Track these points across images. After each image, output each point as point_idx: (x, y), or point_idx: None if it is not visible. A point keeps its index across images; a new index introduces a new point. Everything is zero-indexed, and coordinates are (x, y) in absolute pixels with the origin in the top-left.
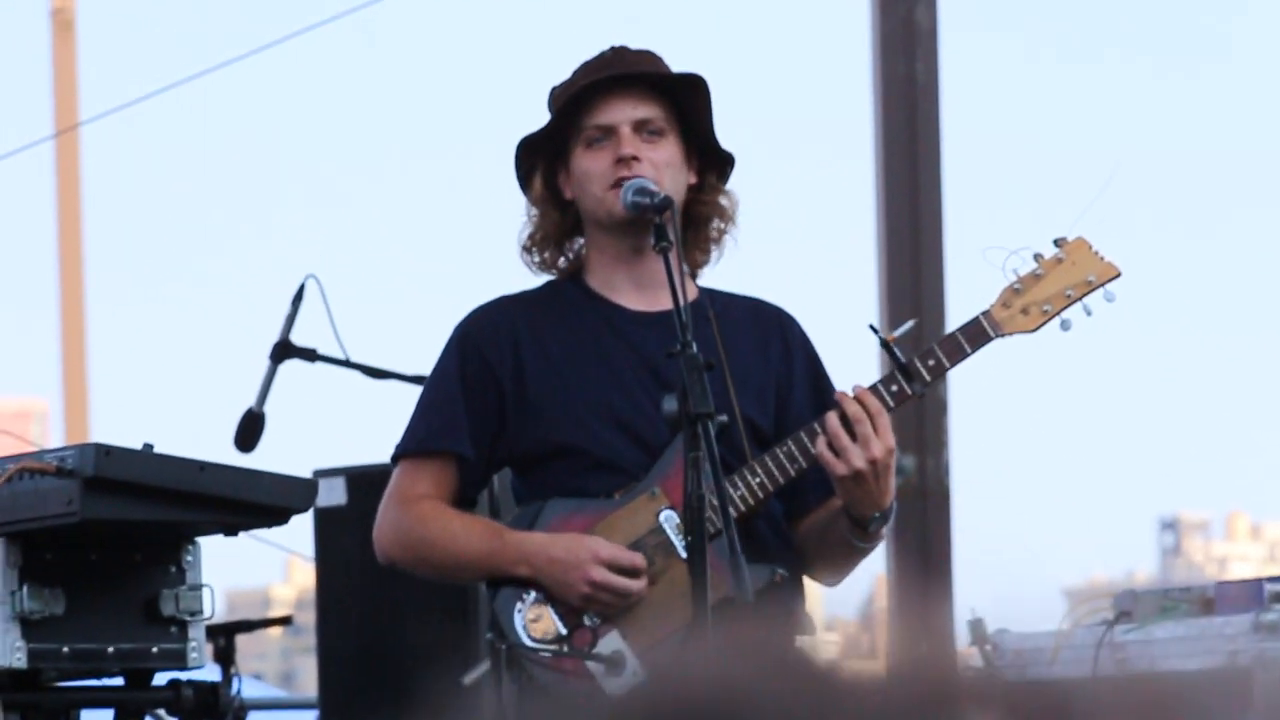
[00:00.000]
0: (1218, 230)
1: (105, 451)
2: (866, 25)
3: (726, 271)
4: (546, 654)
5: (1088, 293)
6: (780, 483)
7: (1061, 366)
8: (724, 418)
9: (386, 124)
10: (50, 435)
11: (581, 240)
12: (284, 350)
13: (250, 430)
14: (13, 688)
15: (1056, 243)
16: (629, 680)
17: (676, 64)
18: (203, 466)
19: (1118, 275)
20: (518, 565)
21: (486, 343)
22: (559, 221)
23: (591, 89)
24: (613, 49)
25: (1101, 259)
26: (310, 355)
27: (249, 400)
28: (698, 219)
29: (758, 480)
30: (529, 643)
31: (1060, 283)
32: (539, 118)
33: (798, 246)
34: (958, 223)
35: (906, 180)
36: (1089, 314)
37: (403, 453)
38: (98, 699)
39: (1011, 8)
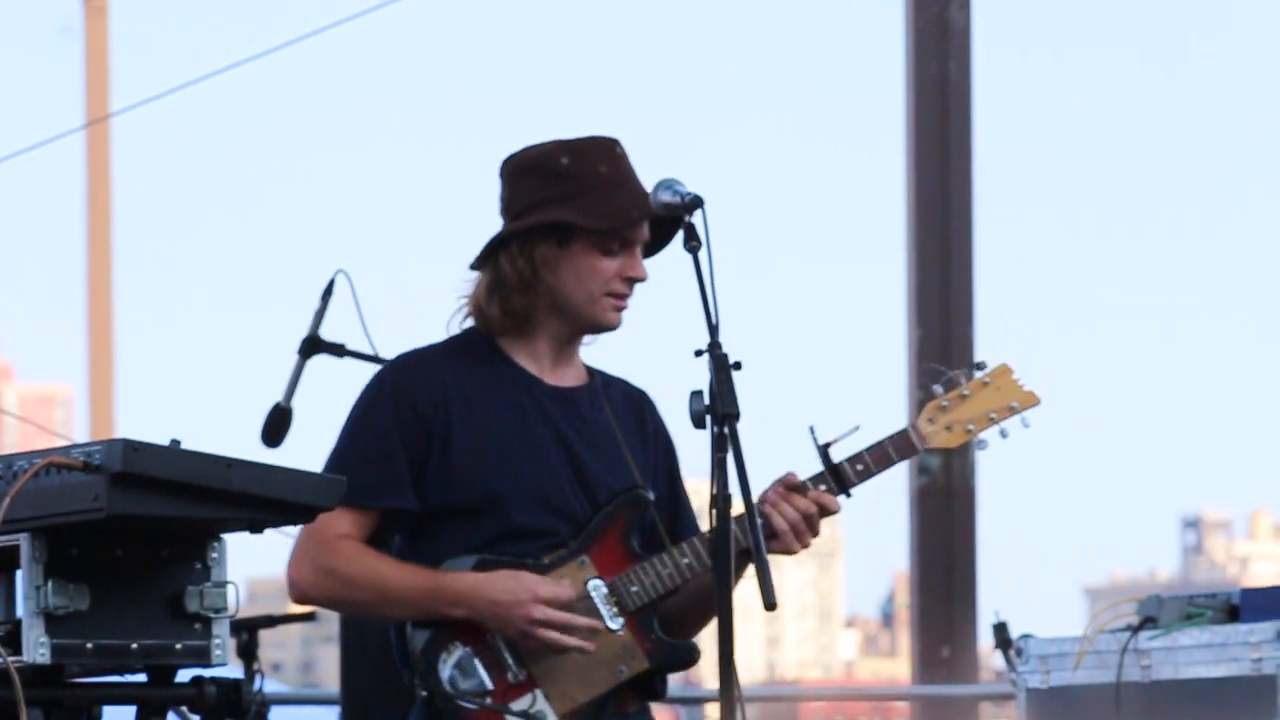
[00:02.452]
0: (1247, 229)
1: (133, 448)
2: (900, 23)
3: (756, 273)
4: (471, 705)
5: (1008, 417)
6: (708, 566)
7: (1085, 366)
8: (650, 494)
9: (419, 117)
10: (75, 421)
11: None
12: (313, 345)
13: (278, 425)
14: (36, 683)
15: (978, 367)
16: None
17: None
18: (230, 464)
19: (1037, 403)
20: (454, 606)
21: (419, 394)
22: (526, 289)
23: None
24: (618, 146)
25: (1022, 388)
26: (339, 350)
27: (277, 395)
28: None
29: (685, 561)
30: (451, 691)
31: (984, 405)
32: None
33: (827, 244)
34: (988, 221)
35: (938, 178)
36: (1004, 436)
37: (345, 499)
38: (120, 695)
39: (1045, 7)
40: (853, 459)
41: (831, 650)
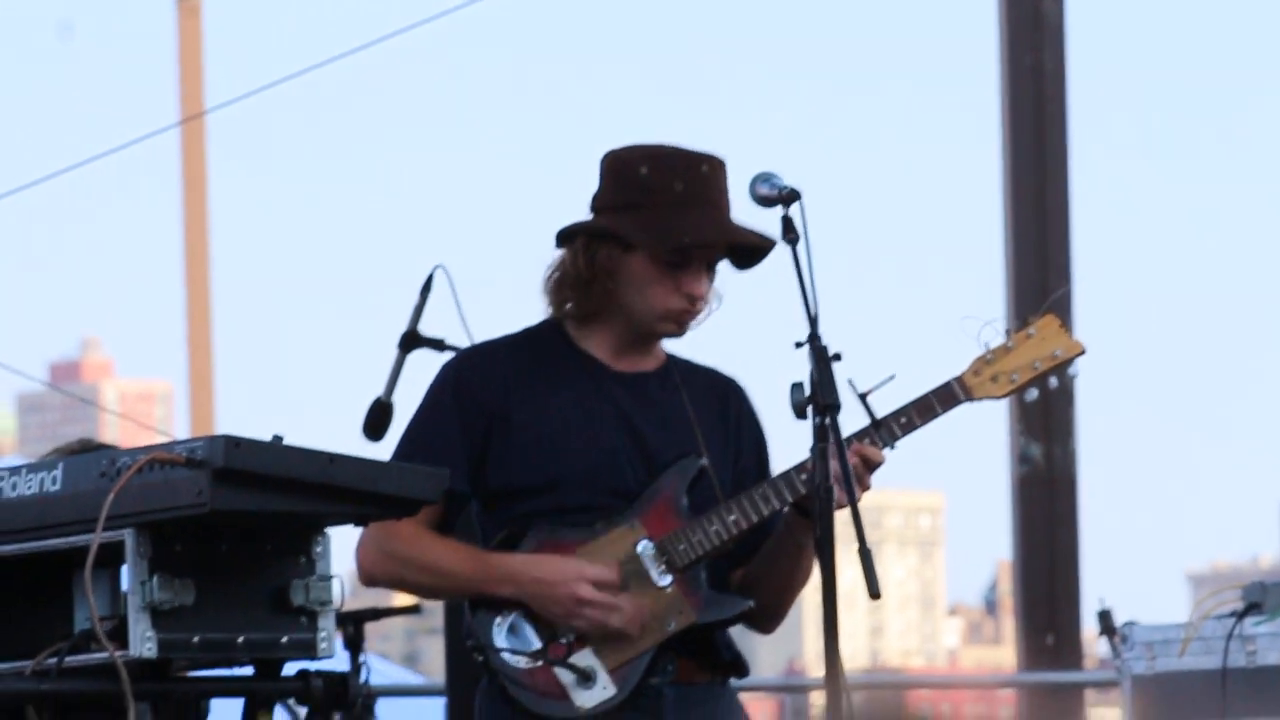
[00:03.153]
0: None
1: (235, 443)
2: (994, 15)
3: (853, 265)
4: (522, 660)
5: (1053, 367)
6: (754, 521)
7: (1183, 351)
8: (704, 460)
9: (519, 111)
10: (174, 418)
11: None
12: (412, 340)
13: (379, 420)
14: (143, 677)
15: (1026, 320)
16: (599, 694)
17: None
18: (333, 458)
19: (1082, 352)
20: (502, 585)
21: (479, 383)
22: (587, 288)
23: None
24: (705, 165)
25: (1068, 336)
26: (438, 345)
27: (378, 390)
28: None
29: (732, 518)
30: (507, 656)
31: (1028, 355)
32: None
33: (923, 236)
34: (1084, 211)
35: (1034, 170)
36: (1053, 386)
37: None
38: (228, 689)
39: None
40: (896, 412)
41: (935, 639)
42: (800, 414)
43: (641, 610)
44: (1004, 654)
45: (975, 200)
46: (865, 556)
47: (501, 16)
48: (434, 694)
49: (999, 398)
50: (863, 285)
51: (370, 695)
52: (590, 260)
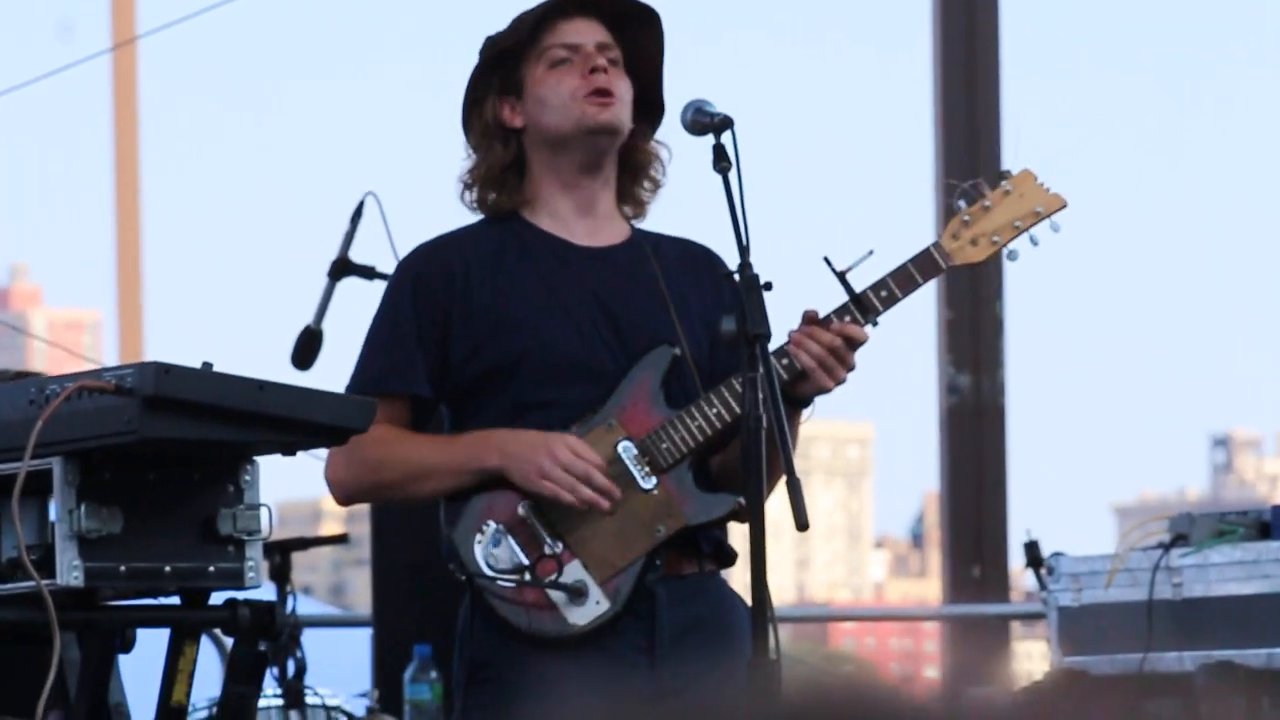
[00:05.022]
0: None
1: (164, 370)
2: None
3: (780, 95)
4: (509, 584)
5: (1035, 223)
6: (737, 413)
7: (1114, 284)
8: (676, 350)
9: (449, 36)
10: (103, 346)
11: (513, 182)
12: (342, 267)
13: (308, 348)
14: (69, 606)
15: (1001, 175)
16: (591, 609)
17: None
18: (262, 386)
19: (1064, 206)
20: (486, 453)
21: (434, 276)
22: (500, 156)
23: (555, 11)
24: None
25: (1047, 191)
26: (369, 272)
27: (307, 317)
28: (634, 166)
29: (714, 411)
30: (489, 571)
31: (1008, 214)
32: None
33: (851, 65)
34: (1015, 118)
35: (964, 78)
36: (1035, 244)
37: (355, 390)
38: (154, 618)
39: None
40: (876, 285)
41: (861, 571)
42: (730, 343)
43: (614, 492)
44: (930, 587)
45: (905, 110)
46: (794, 487)
47: None
48: (361, 625)
49: (979, 262)
50: (788, 115)
51: (297, 625)
52: (495, 118)
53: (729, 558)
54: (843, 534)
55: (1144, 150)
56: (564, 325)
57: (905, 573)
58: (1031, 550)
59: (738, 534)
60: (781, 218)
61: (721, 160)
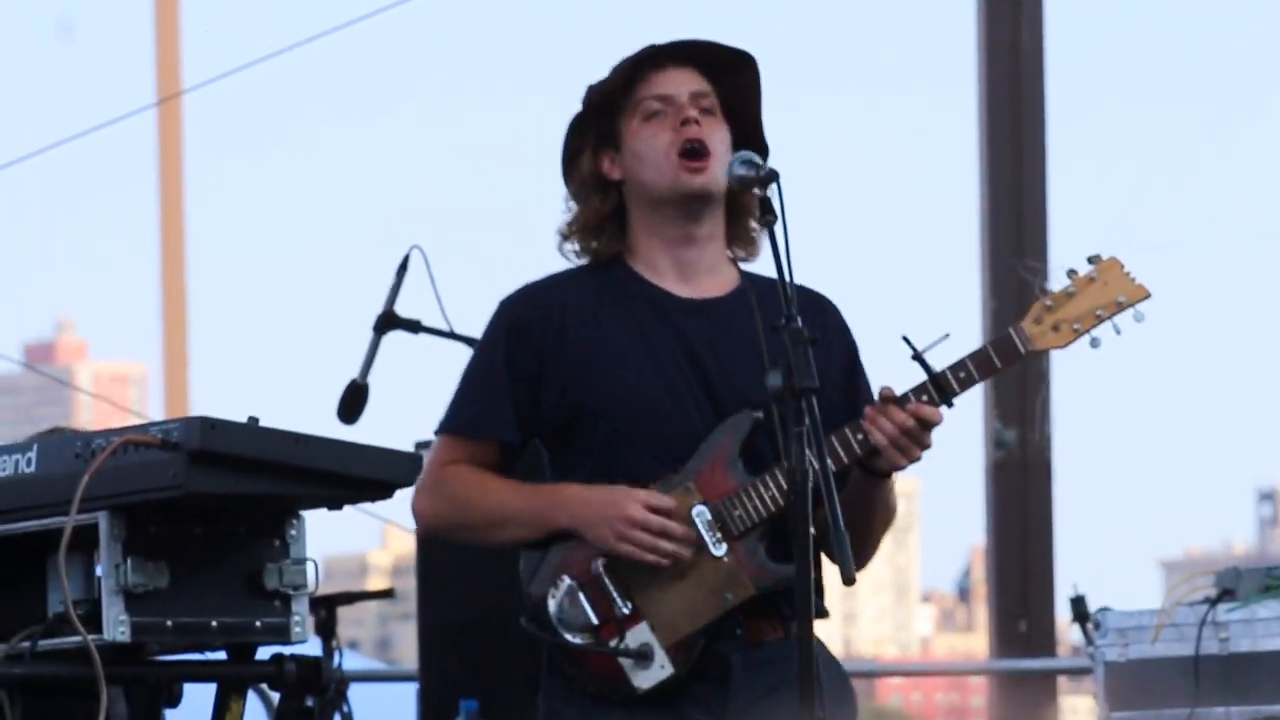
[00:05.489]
0: None
1: (210, 425)
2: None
3: (833, 234)
4: (576, 638)
5: (1117, 313)
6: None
7: (1160, 338)
8: (759, 414)
9: (496, 94)
10: (149, 400)
11: (613, 230)
12: (388, 321)
13: (354, 402)
14: (116, 661)
15: (1090, 260)
16: (655, 673)
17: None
18: (307, 440)
19: (1147, 296)
20: (557, 513)
21: (530, 322)
22: (599, 208)
23: (649, 62)
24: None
25: (1132, 280)
26: (414, 326)
27: (353, 372)
28: (741, 209)
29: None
30: (561, 628)
31: (1091, 302)
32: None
33: (899, 211)
34: (1061, 191)
35: (1010, 148)
36: (1118, 333)
37: (445, 430)
38: (201, 673)
39: None
40: (954, 366)
41: (908, 626)
42: (776, 398)
43: (691, 538)
44: (977, 641)
45: (952, 177)
46: (840, 542)
47: None
48: (407, 679)
49: (1061, 348)
50: (840, 265)
51: (343, 680)
52: (595, 171)
53: (819, 613)
54: (889, 588)
55: (1190, 201)
56: (653, 379)
57: (952, 627)
58: (1078, 605)
59: (833, 590)
60: (825, 275)
61: (767, 213)
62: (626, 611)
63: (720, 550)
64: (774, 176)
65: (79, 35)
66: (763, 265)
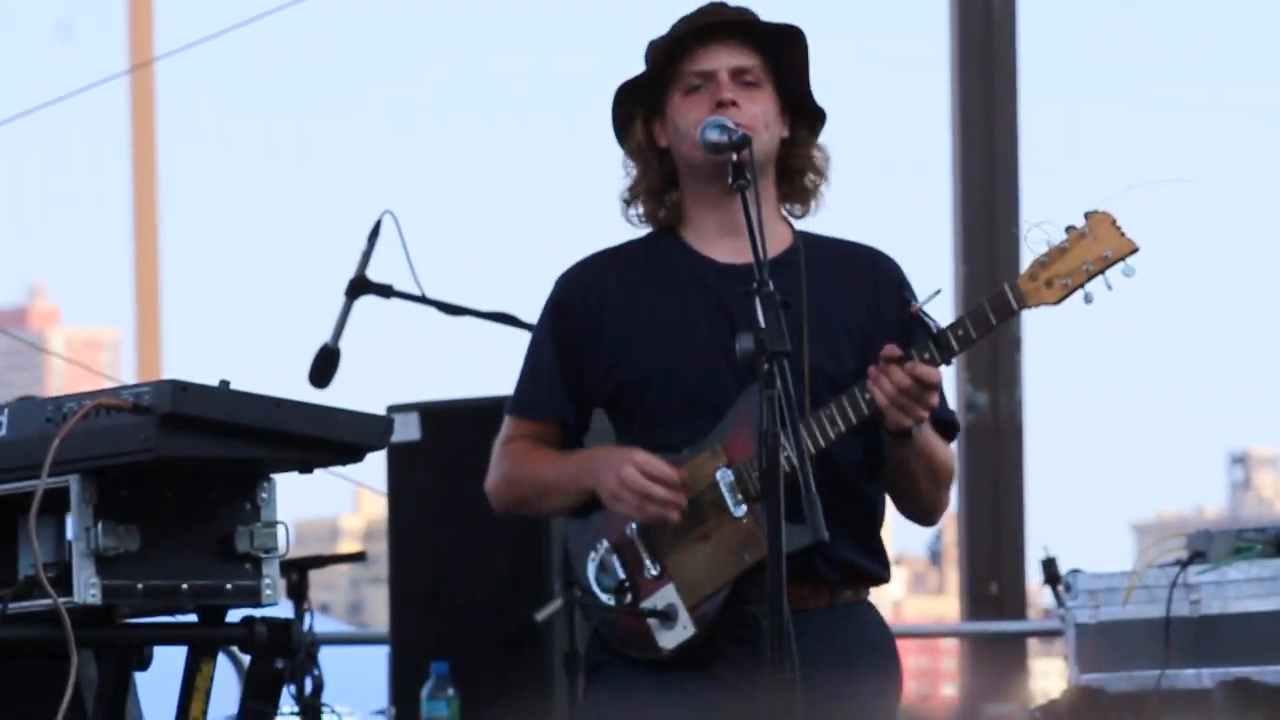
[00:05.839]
0: None
1: (181, 388)
2: None
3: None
4: (609, 599)
5: (1104, 268)
6: (825, 444)
7: (1132, 302)
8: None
9: (468, 60)
10: (121, 364)
11: (673, 196)
12: (360, 286)
13: (325, 366)
14: (87, 624)
15: (1086, 215)
16: (679, 634)
17: (774, 12)
18: (279, 403)
19: (1134, 251)
20: (584, 478)
21: (573, 304)
22: (656, 173)
23: (692, 36)
24: (711, 2)
25: (1121, 234)
26: (386, 291)
27: (324, 336)
28: (791, 171)
29: (806, 441)
30: (597, 589)
31: (1081, 257)
32: (626, 67)
33: (874, 184)
34: (1032, 150)
35: (982, 118)
36: (1109, 289)
37: (509, 411)
38: (171, 636)
39: None
40: (954, 325)
41: (880, 588)
42: (747, 362)
43: (676, 500)
44: (948, 604)
45: (923, 139)
46: (811, 504)
47: None
48: (378, 642)
49: (1053, 304)
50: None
51: (314, 643)
52: (647, 140)
53: (870, 577)
54: None
55: (1163, 166)
56: (689, 349)
57: (923, 590)
58: (1049, 567)
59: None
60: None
61: (739, 177)
62: (656, 573)
63: (740, 511)
64: (747, 141)
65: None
66: (823, 224)
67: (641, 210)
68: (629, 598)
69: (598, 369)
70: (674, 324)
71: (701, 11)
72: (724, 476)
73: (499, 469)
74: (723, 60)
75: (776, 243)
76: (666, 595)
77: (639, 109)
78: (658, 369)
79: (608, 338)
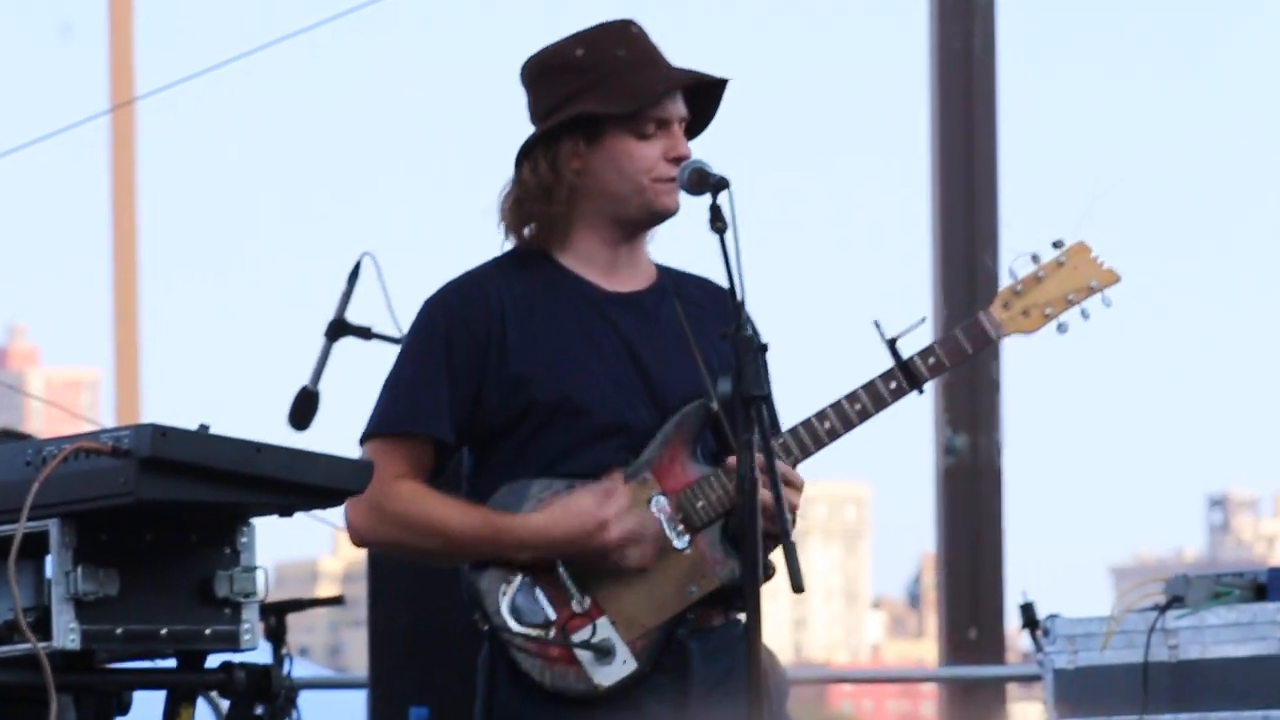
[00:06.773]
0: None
1: (162, 432)
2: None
3: (781, 202)
4: (534, 631)
5: (1087, 297)
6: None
7: (1111, 344)
8: (712, 404)
9: (446, 100)
10: (101, 405)
11: (548, 219)
12: (339, 328)
13: (305, 408)
14: (66, 669)
15: (1056, 245)
16: (618, 669)
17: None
18: (259, 448)
19: (1117, 281)
20: (519, 551)
21: (470, 315)
22: (551, 193)
23: (660, 86)
24: (633, 26)
25: (1101, 265)
26: (365, 333)
27: (304, 378)
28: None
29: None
30: (516, 627)
31: (1061, 287)
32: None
33: (852, 205)
34: (1013, 194)
35: (962, 154)
36: (1086, 318)
37: (374, 433)
38: (150, 681)
39: None
40: (924, 352)
41: (859, 632)
42: (726, 406)
43: (665, 573)
44: (928, 648)
45: (904, 183)
46: (790, 550)
47: (436, 4)
48: (357, 686)
49: (1030, 333)
50: (786, 220)
51: (293, 688)
52: (553, 163)
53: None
54: (840, 595)
55: (1140, 208)
56: (600, 374)
57: (903, 633)
58: (1027, 612)
59: (783, 596)
60: (779, 278)
61: (718, 220)
62: (586, 606)
63: (682, 543)
64: (725, 184)
65: (9, 25)
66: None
67: (514, 222)
68: (552, 633)
69: (500, 390)
70: (580, 349)
71: (635, 41)
72: (659, 505)
73: (377, 502)
74: (677, 111)
75: (643, 277)
76: (601, 629)
77: (562, 130)
78: (572, 392)
79: (514, 356)
